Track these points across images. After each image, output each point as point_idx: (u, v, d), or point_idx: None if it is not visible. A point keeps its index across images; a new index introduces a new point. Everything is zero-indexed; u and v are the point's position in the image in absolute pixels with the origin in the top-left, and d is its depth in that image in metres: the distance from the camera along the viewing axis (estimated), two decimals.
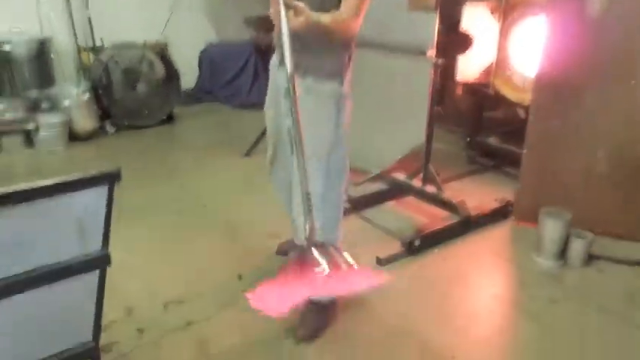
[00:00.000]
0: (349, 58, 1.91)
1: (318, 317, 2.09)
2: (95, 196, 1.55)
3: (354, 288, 1.35)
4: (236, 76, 5.58)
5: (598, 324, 2.18)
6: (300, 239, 1.80)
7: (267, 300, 1.30)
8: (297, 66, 1.60)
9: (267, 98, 2.14)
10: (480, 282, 2.48)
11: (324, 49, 1.82)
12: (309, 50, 1.78)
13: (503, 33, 3.56)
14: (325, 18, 1.71)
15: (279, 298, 1.30)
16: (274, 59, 2.06)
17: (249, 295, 1.30)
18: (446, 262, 2.62)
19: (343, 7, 1.76)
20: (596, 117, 2.75)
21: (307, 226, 1.38)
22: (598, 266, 2.59)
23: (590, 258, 2.61)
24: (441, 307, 2.28)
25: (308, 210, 1.41)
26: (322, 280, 1.32)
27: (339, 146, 1.90)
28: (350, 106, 1.93)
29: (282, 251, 2.57)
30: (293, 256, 1.33)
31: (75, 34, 4.76)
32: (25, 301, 1.51)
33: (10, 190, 1.35)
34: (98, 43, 4.85)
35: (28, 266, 1.48)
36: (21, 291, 1.47)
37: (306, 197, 1.43)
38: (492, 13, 3.55)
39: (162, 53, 4.91)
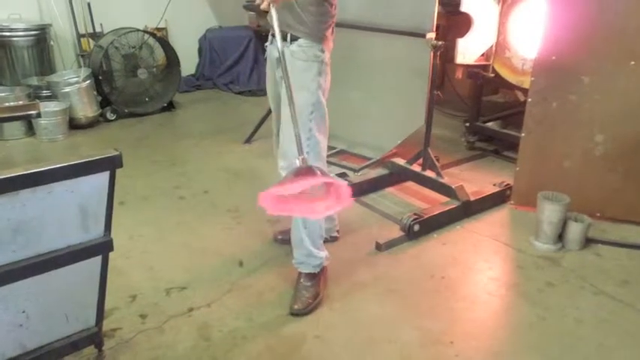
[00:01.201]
0: (331, 29, 2.09)
1: (308, 290, 2.18)
2: (97, 181, 1.56)
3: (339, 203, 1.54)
4: (236, 62, 5.57)
5: (594, 306, 2.21)
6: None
7: (271, 201, 1.49)
8: (282, 27, 1.84)
9: (267, 78, 2.32)
10: (479, 266, 2.51)
11: (306, 12, 2.00)
12: (294, 12, 2.00)
13: (503, 15, 3.54)
14: None
15: (281, 202, 1.51)
16: (270, 37, 2.21)
17: (260, 196, 1.46)
18: (445, 247, 2.64)
19: None
20: (595, 99, 2.75)
21: (300, 158, 1.63)
22: (595, 249, 2.62)
23: (588, 241, 2.64)
24: (440, 290, 2.30)
25: (299, 147, 1.67)
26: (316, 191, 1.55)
27: (320, 106, 2.09)
28: (329, 74, 2.12)
29: (279, 239, 2.61)
30: (289, 173, 1.58)
31: (74, 21, 4.75)
32: (27, 287, 1.53)
33: (13, 175, 1.37)
34: (98, 29, 4.84)
35: (30, 252, 1.50)
36: (24, 277, 1.50)
37: (298, 137, 1.68)
38: None
39: (163, 39, 4.90)
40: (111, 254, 1.67)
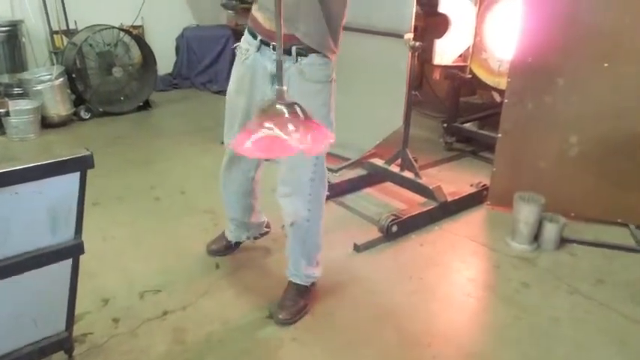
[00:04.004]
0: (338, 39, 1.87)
1: (297, 301, 2.12)
2: (67, 182, 1.52)
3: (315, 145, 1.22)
4: (214, 61, 5.52)
5: (570, 306, 2.23)
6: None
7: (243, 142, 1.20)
8: (287, 41, 1.57)
9: (234, 84, 2.00)
10: (456, 266, 2.51)
11: (316, 17, 1.74)
12: (302, 13, 1.69)
13: (480, 16, 3.57)
14: None
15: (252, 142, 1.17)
16: (246, 39, 1.94)
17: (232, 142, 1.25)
18: (422, 248, 2.65)
19: None
20: (569, 101, 2.79)
21: (279, 90, 1.22)
22: (570, 249, 2.65)
23: (563, 241, 2.67)
24: (418, 292, 2.30)
25: (280, 79, 1.23)
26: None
27: (332, 130, 1.90)
28: (335, 88, 1.93)
29: (213, 251, 2.51)
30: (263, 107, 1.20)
31: (47, 17, 4.64)
32: None
33: None
34: (72, 26, 4.74)
35: None
36: None
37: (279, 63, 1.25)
38: None
39: (139, 37, 4.81)
40: (83, 256, 1.62)
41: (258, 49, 1.88)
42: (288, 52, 1.76)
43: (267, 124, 1.15)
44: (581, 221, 2.85)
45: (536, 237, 2.65)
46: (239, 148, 1.15)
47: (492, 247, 2.67)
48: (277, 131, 1.15)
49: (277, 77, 1.23)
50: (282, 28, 1.19)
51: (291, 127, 1.15)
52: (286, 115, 1.16)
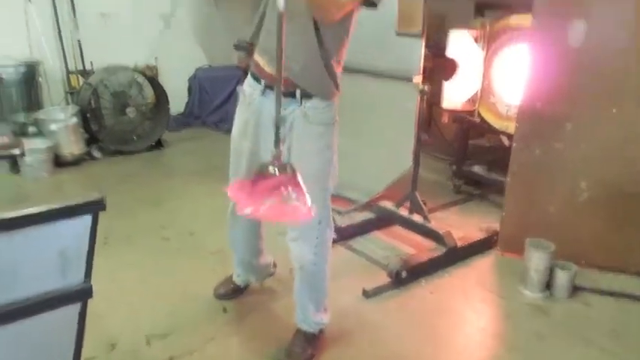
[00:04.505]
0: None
1: (305, 348, 2.08)
2: (78, 226, 1.52)
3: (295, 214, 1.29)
4: (225, 101, 5.60)
5: (583, 358, 2.17)
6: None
7: (241, 196, 1.30)
8: (290, 85, 1.61)
9: (238, 128, 2.01)
10: (467, 315, 2.47)
11: (317, 65, 1.77)
12: (300, 59, 1.72)
13: (488, 60, 3.62)
14: None
15: (250, 198, 1.28)
16: (250, 83, 1.95)
17: (227, 189, 1.32)
18: (432, 295, 2.61)
19: None
20: (578, 146, 2.79)
21: (276, 151, 1.32)
22: (583, 298, 2.60)
23: (576, 289, 2.62)
24: (428, 341, 2.26)
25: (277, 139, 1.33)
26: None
27: (334, 171, 1.93)
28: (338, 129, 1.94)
29: (221, 294, 2.49)
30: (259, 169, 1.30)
31: (65, 58, 4.77)
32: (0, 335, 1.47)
33: None
34: (88, 67, 4.85)
35: (3, 299, 1.45)
36: None
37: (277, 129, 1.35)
38: (476, 40, 3.62)
39: (153, 78, 4.92)
40: (90, 299, 1.61)
41: (263, 93, 1.89)
42: (292, 95, 1.77)
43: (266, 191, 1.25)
44: (594, 268, 2.81)
45: (548, 284, 2.61)
46: (241, 212, 1.23)
47: (503, 295, 2.63)
48: (276, 199, 1.25)
49: (275, 138, 1.30)
50: (283, 76, 1.27)
51: (290, 193, 1.24)
52: (282, 179, 1.26)
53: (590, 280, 2.72)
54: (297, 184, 1.27)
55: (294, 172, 1.28)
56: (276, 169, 1.27)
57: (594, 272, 2.78)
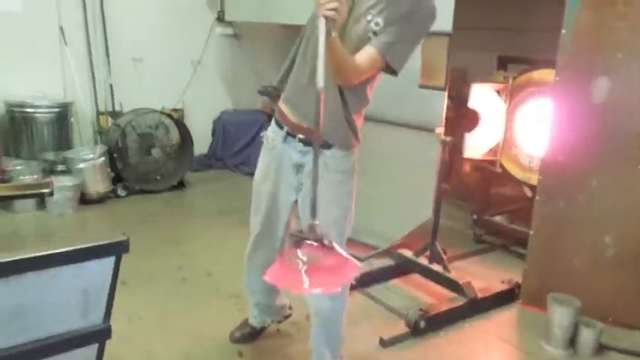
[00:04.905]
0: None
1: None
2: (102, 266, 1.54)
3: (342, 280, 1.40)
4: (247, 144, 5.70)
5: None
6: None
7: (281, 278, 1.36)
8: (310, 134, 1.66)
9: (261, 171, 2.08)
10: None
11: (339, 121, 1.84)
12: (328, 117, 1.75)
13: (510, 113, 3.65)
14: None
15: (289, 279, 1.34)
16: (273, 129, 2.01)
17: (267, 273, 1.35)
18: (451, 346, 2.55)
19: (358, 56, 1.74)
20: (603, 200, 2.76)
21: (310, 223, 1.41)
22: (609, 357, 2.51)
23: (601, 348, 2.54)
24: None
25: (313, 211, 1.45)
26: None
27: (351, 218, 1.96)
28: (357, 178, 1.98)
29: (237, 338, 2.48)
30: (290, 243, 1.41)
31: (96, 99, 4.93)
32: None
33: (18, 258, 1.36)
34: (117, 108, 5.01)
35: (26, 338, 1.46)
36: None
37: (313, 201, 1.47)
38: (499, 93, 3.66)
39: (179, 120, 5.05)
40: (109, 339, 1.62)
41: (285, 139, 1.95)
42: (312, 144, 1.80)
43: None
44: (620, 326, 2.72)
45: (572, 341, 2.53)
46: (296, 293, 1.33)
47: (525, 350, 2.55)
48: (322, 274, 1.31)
49: (311, 210, 1.42)
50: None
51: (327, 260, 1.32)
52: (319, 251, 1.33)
53: (616, 338, 2.63)
54: (335, 253, 1.34)
55: (330, 242, 1.35)
56: (313, 242, 1.35)
57: (620, 330, 2.70)
